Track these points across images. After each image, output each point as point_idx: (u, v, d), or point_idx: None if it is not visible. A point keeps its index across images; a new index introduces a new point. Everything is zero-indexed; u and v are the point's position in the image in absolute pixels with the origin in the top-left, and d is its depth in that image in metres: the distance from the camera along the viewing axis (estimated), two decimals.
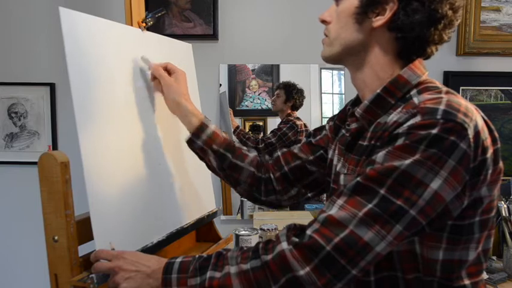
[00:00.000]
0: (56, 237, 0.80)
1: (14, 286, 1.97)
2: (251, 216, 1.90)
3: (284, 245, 0.67)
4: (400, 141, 0.64)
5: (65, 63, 0.82)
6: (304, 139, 1.02)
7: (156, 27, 1.74)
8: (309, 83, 1.90)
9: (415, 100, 0.68)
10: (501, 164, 0.69)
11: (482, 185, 0.67)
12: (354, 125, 0.79)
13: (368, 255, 0.63)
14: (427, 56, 0.77)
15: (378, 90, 0.74)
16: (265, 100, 1.91)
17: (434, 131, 0.61)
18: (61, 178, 0.80)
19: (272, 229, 1.63)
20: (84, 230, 0.85)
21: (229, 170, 0.99)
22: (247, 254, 0.71)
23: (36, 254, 1.95)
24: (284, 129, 1.91)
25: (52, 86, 1.86)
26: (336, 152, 0.86)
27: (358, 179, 0.66)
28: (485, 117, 0.69)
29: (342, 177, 0.80)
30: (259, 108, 1.91)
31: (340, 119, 0.90)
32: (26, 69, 1.87)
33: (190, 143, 1.00)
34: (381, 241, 0.63)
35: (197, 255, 0.77)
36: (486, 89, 1.87)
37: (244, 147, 1.03)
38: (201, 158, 1.02)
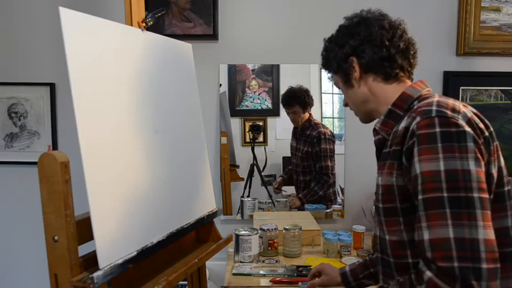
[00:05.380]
0: (56, 237, 0.80)
1: (14, 286, 1.97)
2: (251, 216, 1.90)
3: (428, 274, 0.72)
4: (419, 147, 0.75)
5: (65, 63, 0.82)
6: None
7: (156, 27, 1.75)
8: (309, 83, 1.90)
9: (415, 108, 0.83)
10: (497, 142, 0.81)
11: (490, 159, 0.77)
12: (376, 137, 0.94)
13: (481, 246, 0.69)
14: (413, 65, 0.94)
15: (389, 106, 0.91)
16: (265, 100, 1.91)
17: (437, 129, 0.74)
18: (61, 178, 0.80)
19: (272, 229, 1.62)
20: (84, 230, 0.85)
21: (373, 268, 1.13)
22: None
23: (36, 254, 1.95)
24: (324, 146, 1.93)
25: (52, 86, 1.86)
26: None
27: (419, 197, 0.74)
28: (475, 111, 0.82)
29: (377, 177, 0.92)
30: (259, 108, 1.91)
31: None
32: (26, 69, 1.87)
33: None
34: (478, 230, 0.69)
35: None
36: (486, 89, 1.87)
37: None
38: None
